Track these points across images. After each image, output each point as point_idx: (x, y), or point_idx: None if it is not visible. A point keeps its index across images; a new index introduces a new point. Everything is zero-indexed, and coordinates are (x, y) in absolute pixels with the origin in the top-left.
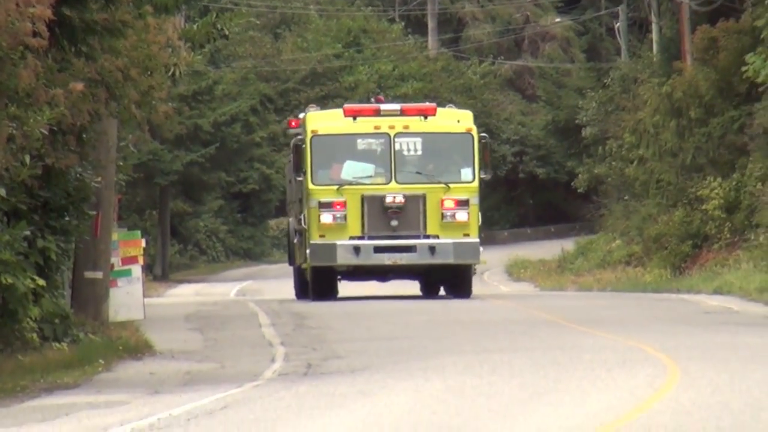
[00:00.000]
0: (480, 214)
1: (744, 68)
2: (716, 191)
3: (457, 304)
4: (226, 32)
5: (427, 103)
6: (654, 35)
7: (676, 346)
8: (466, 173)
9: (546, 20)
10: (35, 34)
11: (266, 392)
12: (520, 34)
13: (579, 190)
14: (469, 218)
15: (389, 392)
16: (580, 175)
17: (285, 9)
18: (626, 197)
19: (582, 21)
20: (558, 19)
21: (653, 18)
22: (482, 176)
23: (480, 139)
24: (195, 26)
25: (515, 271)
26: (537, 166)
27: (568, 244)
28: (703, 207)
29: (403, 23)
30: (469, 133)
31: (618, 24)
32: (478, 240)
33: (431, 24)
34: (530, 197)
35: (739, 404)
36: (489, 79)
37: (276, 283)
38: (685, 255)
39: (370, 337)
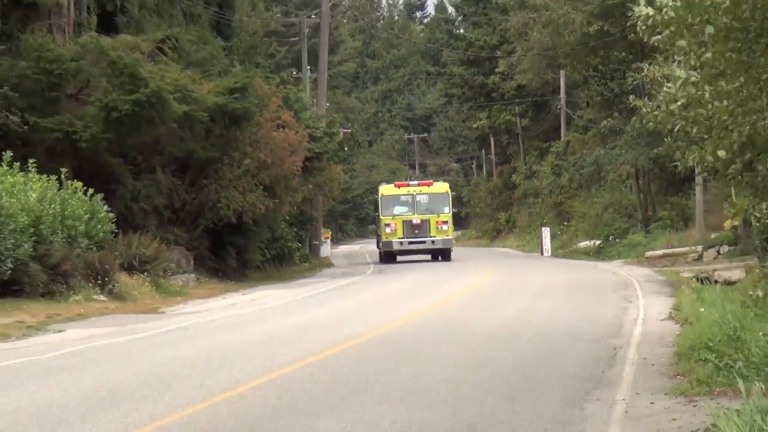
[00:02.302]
0: (453, 226)
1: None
2: None
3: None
4: None
5: (429, 180)
6: None
7: (494, 264)
8: (446, 209)
9: None
10: None
11: (369, 278)
12: None
13: None
14: (448, 228)
15: (404, 278)
16: None
17: None
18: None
19: None
20: None
21: None
22: (453, 210)
23: (451, 194)
24: None
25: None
26: None
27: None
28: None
29: None
30: (446, 192)
31: None
32: (452, 238)
33: None
34: None
35: (512, 282)
36: None
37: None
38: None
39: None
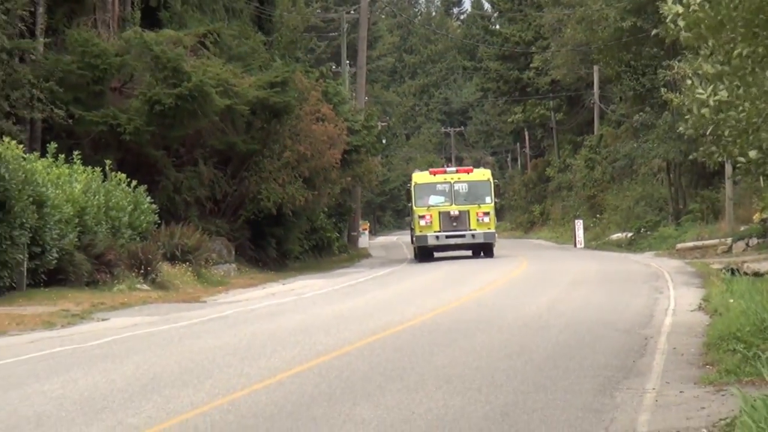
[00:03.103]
0: (495, 218)
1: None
2: None
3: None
4: None
5: (468, 167)
6: None
7: (528, 255)
8: (488, 199)
9: None
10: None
11: (406, 268)
12: None
13: None
14: (490, 221)
15: (440, 269)
16: None
17: None
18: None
19: None
20: None
21: None
22: (495, 201)
23: (493, 181)
24: None
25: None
26: None
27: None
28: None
29: None
30: (488, 180)
31: None
32: (494, 231)
33: None
34: None
35: (546, 273)
36: None
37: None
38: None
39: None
